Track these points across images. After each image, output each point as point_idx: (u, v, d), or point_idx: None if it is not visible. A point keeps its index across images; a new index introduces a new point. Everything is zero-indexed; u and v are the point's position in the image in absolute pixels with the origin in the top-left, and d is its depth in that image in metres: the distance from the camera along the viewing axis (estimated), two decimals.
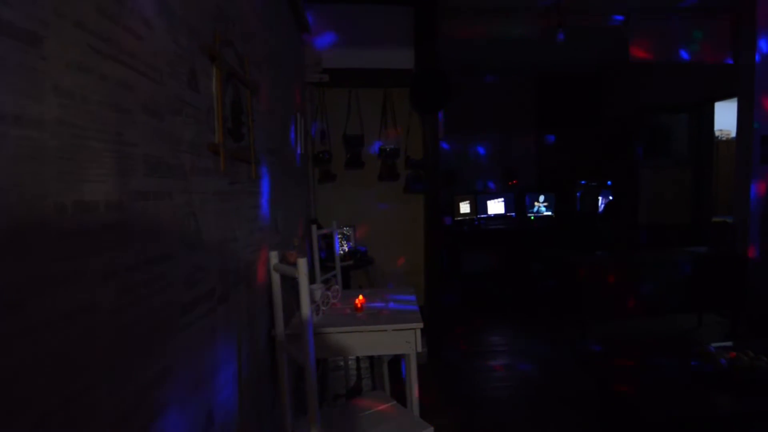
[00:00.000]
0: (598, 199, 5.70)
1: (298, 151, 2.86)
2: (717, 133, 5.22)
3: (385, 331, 1.93)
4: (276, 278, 1.63)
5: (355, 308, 2.20)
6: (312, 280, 2.94)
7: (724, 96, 4.74)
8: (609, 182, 5.83)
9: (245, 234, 1.61)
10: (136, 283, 0.87)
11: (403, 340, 1.94)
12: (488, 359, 3.65)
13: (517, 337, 4.19)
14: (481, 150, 6.11)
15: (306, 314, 1.44)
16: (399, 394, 2.28)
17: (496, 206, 5.86)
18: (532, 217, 5.88)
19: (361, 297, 2.36)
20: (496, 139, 6.12)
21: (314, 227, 2.87)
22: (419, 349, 1.94)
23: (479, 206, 5.76)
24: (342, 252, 3.55)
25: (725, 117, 5.15)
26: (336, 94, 3.61)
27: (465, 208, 5.71)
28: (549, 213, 5.89)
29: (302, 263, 1.44)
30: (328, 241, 3.36)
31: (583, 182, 5.92)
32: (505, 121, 6.09)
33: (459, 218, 5.66)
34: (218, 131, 1.33)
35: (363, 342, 1.95)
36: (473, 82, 5.84)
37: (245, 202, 1.62)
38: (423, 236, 3.79)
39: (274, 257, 1.62)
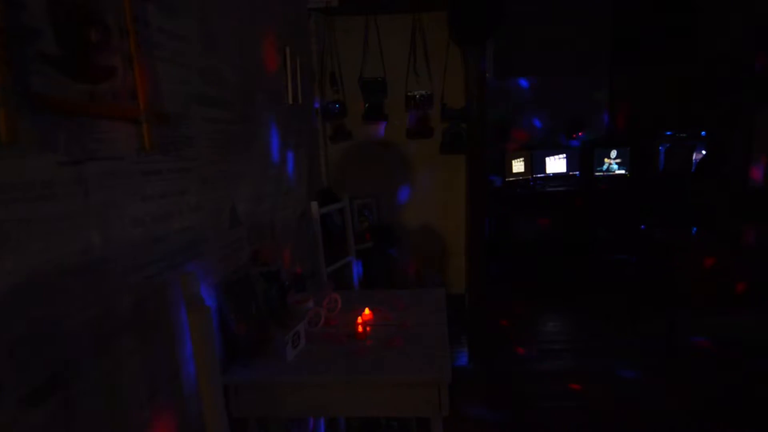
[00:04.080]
0: (690, 155, 4.56)
1: (291, 101, 2.11)
2: None
3: (390, 386, 1.23)
4: (197, 318, 0.93)
5: (356, 332, 1.51)
6: (308, 279, 2.27)
7: None
8: (703, 133, 4.65)
9: (135, 244, 0.92)
10: None
11: (420, 399, 1.24)
12: (545, 361, 2.91)
13: (581, 329, 3.40)
14: (538, 95, 5.04)
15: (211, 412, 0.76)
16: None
17: (556, 164, 4.89)
18: (601, 177, 4.86)
19: (367, 312, 1.66)
20: (557, 81, 5.01)
21: (314, 204, 2.16)
22: (445, 413, 1.23)
23: (535, 164, 4.82)
24: (360, 230, 2.85)
25: None
26: (349, 23, 2.75)
27: (518, 166, 4.80)
28: (622, 172, 4.84)
29: (200, 316, 0.74)
30: (346, 219, 2.66)
31: (668, 133, 4.77)
32: (569, 59, 4.95)
33: (511, 179, 4.78)
34: None
35: (359, 399, 1.26)
36: (530, 8, 4.70)
37: (131, 191, 0.92)
38: (464, 207, 2.99)
39: (189, 281, 0.93)
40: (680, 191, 4.40)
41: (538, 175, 4.84)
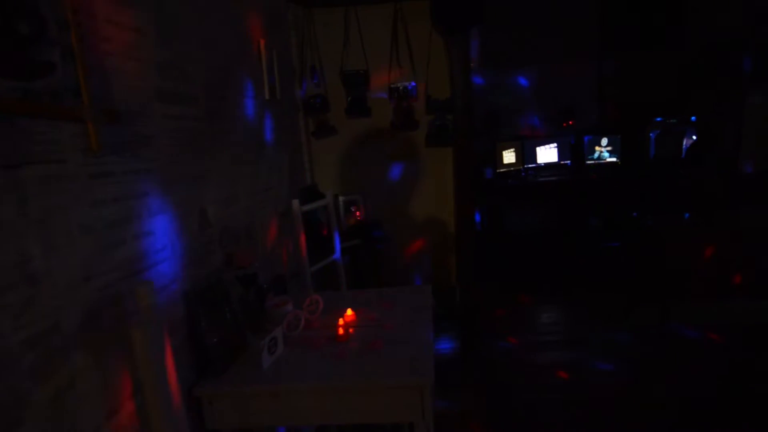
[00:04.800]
0: (680, 141, 4.53)
1: (268, 95, 2.03)
2: None
3: (371, 391, 1.18)
4: (140, 335, 0.87)
5: (337, 334, 1.46)
6: (291, 280, 2.21)
7: None
8: (693, 118, 4.61)
9: (83, 253, 0.86)
10: None
11: (402, 404, 1.19)
12: (538, 353, 2.87)
13: (576, 320, 3.36)
14: (527, 84, 4.98)
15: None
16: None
17: (547, 154, 4.84)
18: (593, 166, 4.82)
19: (349, 313, 1.60)
20: (546, 69, 4.94)
21: (296, 202, 2.10)
22: (428, 419, 1.18)
23: (527, 154, 4.76)
24: (347, 227, 2.78)
25: None
26: (328, 14, 2.68)
27: (509, 157, 4.73)
28: (613, 159, 4.80)
29: (145, 332, 0.68)
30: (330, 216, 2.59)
31: (658, 119, 4.73)
32: (558, 46, 4.87)
33: (502, 170, 4.71)
34: None
35: (339, 406, 1.21)
36: None
37: (77, 196, 0.85)
38: (453, 201, 2.94)
39: (143, 292, 0.87)
40: (671, 177, 4.36)
41: (530, 165, 4.78)
